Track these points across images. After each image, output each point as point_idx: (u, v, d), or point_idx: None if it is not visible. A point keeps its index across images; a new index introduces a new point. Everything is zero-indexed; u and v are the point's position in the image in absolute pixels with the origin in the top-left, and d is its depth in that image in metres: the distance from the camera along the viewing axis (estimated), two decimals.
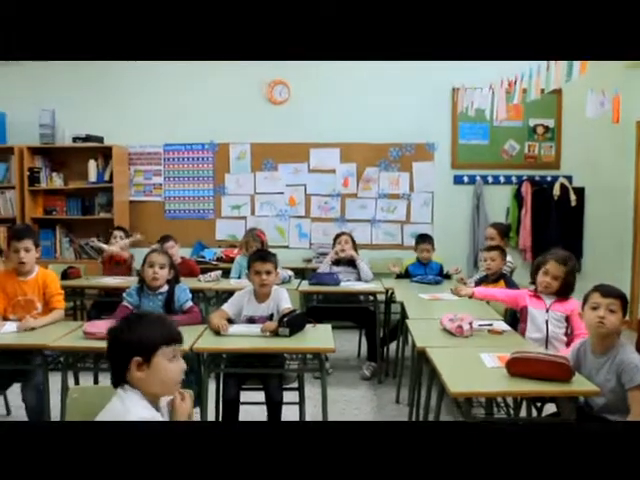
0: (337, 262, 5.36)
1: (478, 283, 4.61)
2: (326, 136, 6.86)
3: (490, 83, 5.32)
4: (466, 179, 6.87)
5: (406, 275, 5.50)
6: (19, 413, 4.03)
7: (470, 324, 3.27)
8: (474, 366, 2.69)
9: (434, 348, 2.98)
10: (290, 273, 5.23)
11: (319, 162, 6.94)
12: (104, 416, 1.89)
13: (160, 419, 1.92)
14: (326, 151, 6.91)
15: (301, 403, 3.62)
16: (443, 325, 3.38)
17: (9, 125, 7.00)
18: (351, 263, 5.35)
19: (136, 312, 3.37)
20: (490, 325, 3.40)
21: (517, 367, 2.50)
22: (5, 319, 3.65)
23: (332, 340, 3.23)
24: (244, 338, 3.27)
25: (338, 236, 5.49)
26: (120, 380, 1.93)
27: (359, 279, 5.25)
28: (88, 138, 6.77)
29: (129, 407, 1.85)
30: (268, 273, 3.57)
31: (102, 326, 3.29)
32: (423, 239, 5.59)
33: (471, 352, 2.90)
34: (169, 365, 1.93)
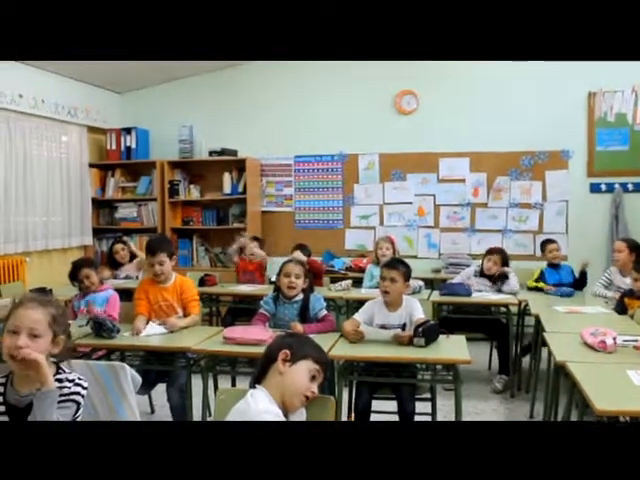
0: (481, 274, 5.29)
1: (622, 297, 4.39)
2: (455, 145, 6.79)
3: (633, 85, 5.06)
4: (604, 187, 6.55)
5: (541, 280, 5.41)
6: (162, 412, 4.28)
7: (614, 339, 3.12)
8: (621, 383, 2.56)
9: (575, 363, 2.86)
10: (421, 283, 5.20)
11: (448, 172, 6.87)
12: (230, 415, 1.98)
13: (282, 417, 1.95)
14: (455, 160, 6.84)
15: (433, 414, 3.61)
16: (584, 339, 3.24)
17: (152, 141, 7.50)
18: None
19: None
20: (635, 341, 3.23)
21: None
22: (149, 323, 3.88)
23: (467, 351, 3.18)
24: (378, 347, 3.29)
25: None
26: (259, 379, 2.05)
27: (498, 292, 5.13)
28: (223, 152, 7.07)
29: (250, 402, 1.93)
30: (392, 280, 3.56)
31: (241, 332, 3.45)
32: (549, 241, 5.68)
33: (616, 368, 2.77)
34: (306, 378, 2.01)
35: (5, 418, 2.07)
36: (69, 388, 2.08)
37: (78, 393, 2.09)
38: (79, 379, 2.13)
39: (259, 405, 1.92)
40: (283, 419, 1.96)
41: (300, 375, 2.01)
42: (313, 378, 2.02)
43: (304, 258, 5.45)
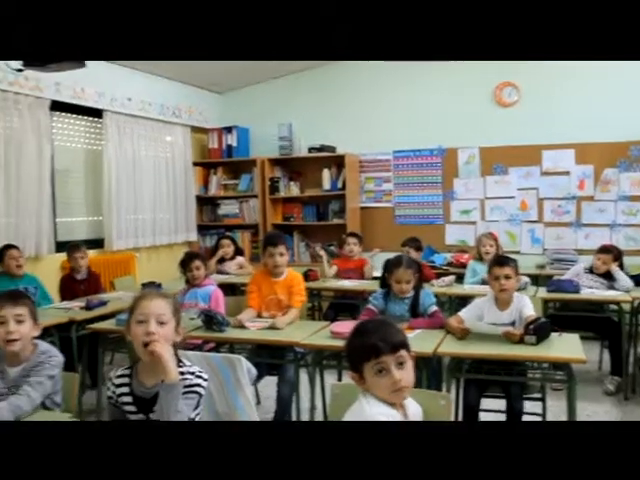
0: (590, 270, 5.08)
1: None
2: (559, 137, 6.56)
3: None
4: None
5: None
6: (267, 403, 4.38)
7: None
8: None
9: None
10: (527, 279, 5.04)
11: (552, 164, 6.65)
12: (346, 417, 1.98)
13: (398, 417, 1.93)
14: (559, 152, 6.61)
15: (543, 415, 3.52)
16: None
17: (252, 139, 7.67)
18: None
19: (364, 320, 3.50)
20: None
21: None
22: (259, 316, 4.00)
23: (582, 350, 3.07)
24: (487, 344, 3.23)
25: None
26: None
27: (610, 289, 4.87)
28: (322, 148, 7.14)
29: (364, 405, 1.92)
30: (507, 278, 3.49)
31: (348, 326, 3.46)
32: None
33: None
34: (377, 379, 1.91)
35: (132, 408, 2.19)
36: (191, 380, 2.17)
37: (199, 385, 2.19)
38: (199, 372, 2.23)
39: (373, 408, 1.92)
40: (397, 419, 1.94)
41: (376, 385, 1.92)
42: (380, 372, 1.90)
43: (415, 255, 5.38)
